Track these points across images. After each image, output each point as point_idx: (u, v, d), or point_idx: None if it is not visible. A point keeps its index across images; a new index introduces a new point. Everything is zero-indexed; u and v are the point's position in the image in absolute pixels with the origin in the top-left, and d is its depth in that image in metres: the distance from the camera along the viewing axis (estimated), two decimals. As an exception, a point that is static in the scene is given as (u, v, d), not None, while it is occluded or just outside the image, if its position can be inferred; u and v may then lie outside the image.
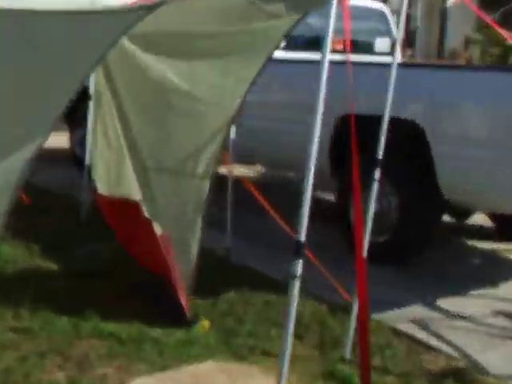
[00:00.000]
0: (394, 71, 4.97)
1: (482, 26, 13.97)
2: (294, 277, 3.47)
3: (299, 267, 3.41)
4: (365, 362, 3.66)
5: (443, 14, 16.76)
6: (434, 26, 17.50)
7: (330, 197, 8.51)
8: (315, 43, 6.92)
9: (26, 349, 4.87)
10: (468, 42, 13.30)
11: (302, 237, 3.45)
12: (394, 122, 5.00)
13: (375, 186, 5.05)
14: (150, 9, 3.56)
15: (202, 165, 5.29)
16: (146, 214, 5.52)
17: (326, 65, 3.56)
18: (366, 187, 4.95)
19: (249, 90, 5.10)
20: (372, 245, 5.08)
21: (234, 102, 5.14)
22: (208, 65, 5.05)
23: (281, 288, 5.17)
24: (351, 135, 3.89)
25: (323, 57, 3.57)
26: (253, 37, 4.81)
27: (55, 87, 3.60)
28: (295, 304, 3.52)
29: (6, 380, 4.51)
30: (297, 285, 3.46)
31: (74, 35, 3.61)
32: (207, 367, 4.83)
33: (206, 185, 5.34)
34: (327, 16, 3.49)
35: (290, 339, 3.52)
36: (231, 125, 5.30)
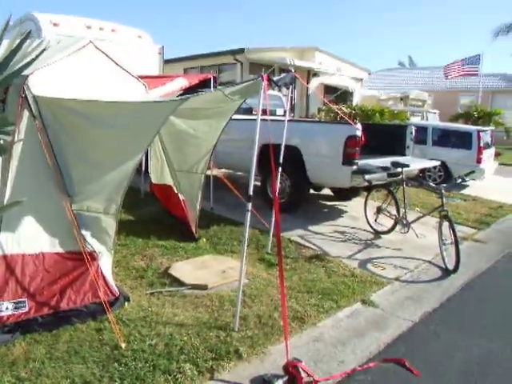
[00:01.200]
0: (286, 123, 5.61)
1: (325, 103, 14.48)
2: (247, 211, 3.85)
3: (250, 206, 3.86)
4: (279, 253, 3.68)
5: (307, 96, 17.13)
6: (303, 102, 17.77)
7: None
8: (247, 111, 7.54)
9: (125, 252, 5.38)
10: (319, 110, 13.90)
11: (250, 192, 3.86)
12: (287, 146, 5.66)
13: (278, 176, 5.67)
14: (182, 100, 3.74)
15: (201, 167, 5.68)
16: (175, 191, 5.96)
17: (259, 120, 3.88)
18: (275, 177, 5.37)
19: (221, 133, 5.46)
20: (279, 203, 5.61)
21: (214, 139, 5.50)
22: (203, 122, 5.40)
23: (238, 224, 6.24)
24: (270, 153, 4.04)
25: (258, 117, 3.89)
26: (223, 110, 5.12)
27: (137, 144, 3.77)
28: (248, 225, 3.87)
29: (120, 263, 5.00)
30: (248, 215, 3.85)
31: (144, 115, 3.77)
32: (207, 257, 5.39)
33: (202, 177, 5.73)
34: (258, 98, 3.89)
35: (245, 245, 3.83)
36: (213, 149, 5.60)
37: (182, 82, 6.76)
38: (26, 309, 3.65)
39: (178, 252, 5.51)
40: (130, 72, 5.29)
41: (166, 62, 12.46)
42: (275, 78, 4.37)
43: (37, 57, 3.34)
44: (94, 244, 3.95)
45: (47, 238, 3.84)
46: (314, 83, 18.60)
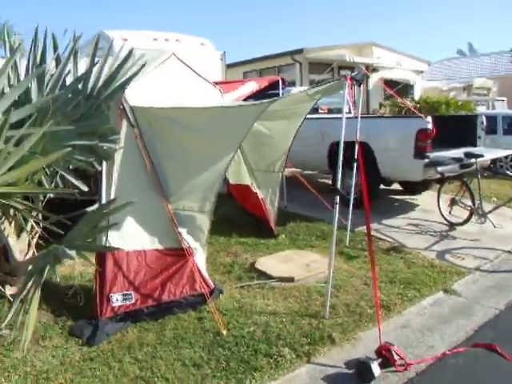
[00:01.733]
0: (358, 120, 5.65)
1: (387, 96, 14.33)
2: (335, 204, 4.00)
3: (337, 199, 4.02)
4: (369, 244, 3.93)
5: (367, 92, 17.01)
6: (363, 98, 17.71)
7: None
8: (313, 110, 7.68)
9: (211, 249, 5.42)
10: (381, 105, 13.74)
11: (338, 186, 4.12)
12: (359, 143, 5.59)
13: (354, 171, 5.83)
14: (269, 103, 3.99)
15: (278, 166, 5.98)
16: (254, 189, 6.22)
17: (344, 119, 4.02)
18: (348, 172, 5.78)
19: (296, 132, 5.76)
20: (350, 199, 5.85)
21: (290, 138, 5.80)
22: (278, 122, 5.59)
23: (313, 220, 6.51)
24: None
25: (343, 115, 4.04)
26: (299, 110, 5.36)
27: (227, 147, 4.13)
28: (336, 216, 4.02)
29: (208, 259, 5.17)
30: (337, 207, 4.00)
31: (233, 119, 4.06)
32: (289, 252, 5.66)
33: (280, 176, 6.04)
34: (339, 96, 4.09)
35: (334, 235, 4.03)
36: (290, 148, 5.87)
37: (252, 86, 7.07)
38: (133, 300, 4.04)
39: (260, 248, 5.81)
40: (207, 79, 5.67)
41: (227, 66, 12.88)
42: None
43: (138, 71, 3.74)
44: (189, 240, 4.29)
45: (148, 236, 4.21)
46: (374, 78, 18.51)
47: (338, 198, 4.01)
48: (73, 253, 2.98)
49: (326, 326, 3.91)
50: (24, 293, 3.23)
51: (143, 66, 3.84)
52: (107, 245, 3.95)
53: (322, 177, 10.03)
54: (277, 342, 3.67)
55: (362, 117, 5.62)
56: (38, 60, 3.74)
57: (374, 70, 18.92)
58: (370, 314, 4.09)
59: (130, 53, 3.77)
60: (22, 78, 3.86)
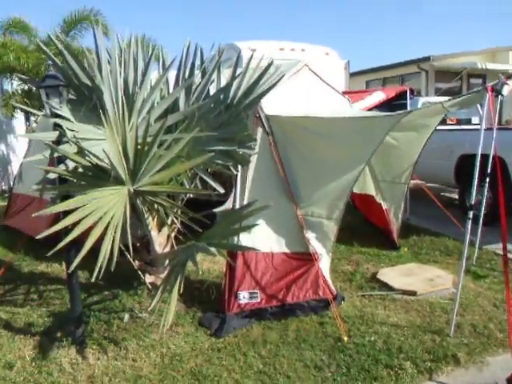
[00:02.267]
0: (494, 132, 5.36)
1: None
2: (468, 219, 3.86)
3: (471, 215, 3.88)
4: (505, 265, 3.83)
5: (501, 102, 15.78)
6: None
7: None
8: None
9: (332, 257, 5.29)
10: None
11: (472, 201, 3.92)
12: (488, 156, 5.05)
13: (486, 186, 5.49)
14: (405, 115, 4.06)
15: (404, 178, 5.89)
16: (378, 200, 6.18)
17: (483, 131, 3.80)
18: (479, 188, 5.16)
19: (425, 144, 5.64)
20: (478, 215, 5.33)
21: (418, 150, 5.70)
22: (406, 133, 5.43)
23: (437, 235, 6.43)
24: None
25: (481, 127, 3.81)
26: (430, 121, 5.28)
27: (359, 156, 4.17)
28: (468, 232, 3.87)
29: (329, 267, 5.31)
30: (469, 223, 3.84)
31: (366, 130, 4.14)
32: (412, 265, 5.58)
33: (405, 187, 5.95)
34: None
35: (465, 251, 3.89)
36: (417, 160, 5.77)
37: (380, 96, 7.07)
38: (259, 299, 4.27)
39: (382, 259, 5.80)
40: (336, 89, 5.80)
41: (350, 75, 12.83)
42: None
43: (276, 83, 3.96)
44: (316, 246, 4.44)
45: (276, 239, 4.42)
46: (508, 87, 17.25)
47: (472, 213, 3.90)
48: (213, 249, 3.25)
49: (450, 344, 3.82)
50: (167, 283, 3.58)
51: (282, 77, 4.06)
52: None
53: (443, 190, 9.67)
54: (398, 355, 3.66)
55: (499, 129, 5.33)
56: (187, 73, 4.12)
57: (510, 77, 17.69)
58: (500, 338, 3.91)
59: (270, 64, 4.02)
60: (170, 88, 4.32)
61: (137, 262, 4.38)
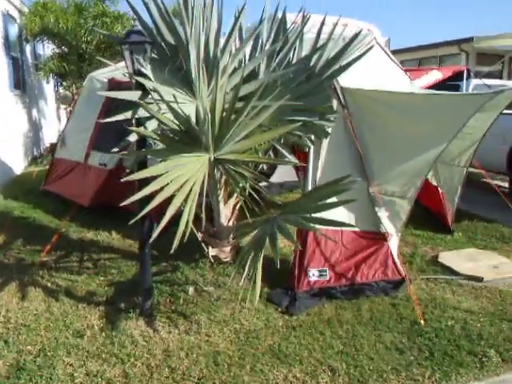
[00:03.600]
0: None
1: None
2: None
3: None
4: None
5: None
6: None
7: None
8: None
9: None
10: None
11: None
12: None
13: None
14: (496, 94, 3.76)
15: (464, 161, 5.61)
16: (434, 183, 5.78)
17: None
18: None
19: (489, 127, 5.30)
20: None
21: (481, 132, 5.35)
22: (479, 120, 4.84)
23: (490, 221, 6.33)
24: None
25: None
26: (497, 103, 4.73)
27: (440, 135, 3.91)
28: None
29: None
30: None
31: (450, 108, 3.90)
32: (471, 251, 5.38)
33: (464, 172, 5.65)
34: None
35: None
36: (479, 143, 5.43)
37: (436, 75, 6.81)
38: (327, 277, 4.12)
39: (437, 242, 5.62)
40: (400, 65, 5.55)
41: (385, 54, 12.45)
42: None
43: (362, 54, 3.74)
44: (386, 225, 4.26)
45: (347, 217, 4.21)
46: None
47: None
48: (307, 223, 3.07)
49: (530, 334, 3.67)
50: (245, 257, 3.42)
51: (369, 49, 3.83)
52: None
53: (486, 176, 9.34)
54: (479, 342, 3.51)
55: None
56: (270, 40, 3.89)
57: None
58: None
59: (357, 34, 3.79)
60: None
61: (199, 233, 4.21)
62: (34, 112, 11.27)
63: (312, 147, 4.18)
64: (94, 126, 6.35)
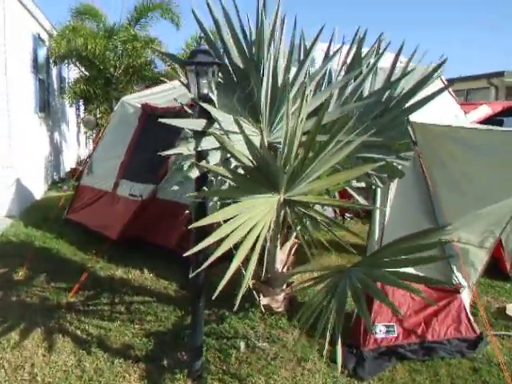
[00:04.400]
0: None
1: None
2: None
3: None
4: None
5: None
6: None
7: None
8: None
9: None
10: None
11: None
12: None
13: None
14: None
15: None
16: None
17: None
18: None
19: None
20: None
21: None
22: None
23: None
24: None
25: None
26: None
27: None
28: None
29: None
30: None
31: None
32: None
33: None
34: None
35: None
36: None
37: (486, 110, 6.40)
38: (395, 334, 3.61)
39: (498, 291, 5.06)
40: (456, 99, 5.15)
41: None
42: None
43: (442, 89, 3.30)
44: (459, 276, 3.76)
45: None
46: None
47: None
48: (397, 281, 2.58)
49: None
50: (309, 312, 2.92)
51: (449, 85, 3.42)
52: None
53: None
54: None
55: None
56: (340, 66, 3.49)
57: None
58: None
59: (441, 65, 3.35)
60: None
61: (251, 280, 3.71)
62: (56, 135, 10.98)
63: (379, 188, 3.71)
64: (125, 154, 5.98)
